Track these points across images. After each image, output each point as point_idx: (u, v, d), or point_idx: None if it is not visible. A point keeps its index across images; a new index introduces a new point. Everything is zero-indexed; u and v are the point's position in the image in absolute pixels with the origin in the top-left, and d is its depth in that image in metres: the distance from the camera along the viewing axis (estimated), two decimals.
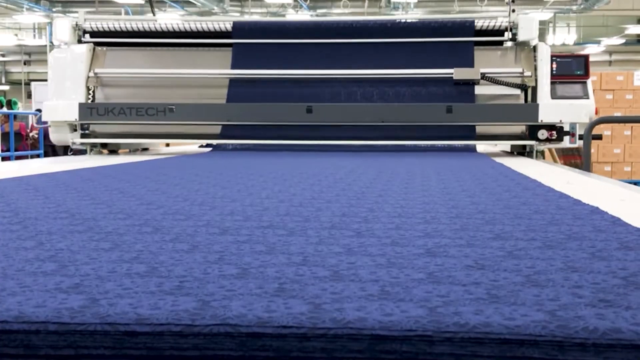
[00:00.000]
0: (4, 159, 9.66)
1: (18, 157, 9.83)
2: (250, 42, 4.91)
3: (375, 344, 0.68)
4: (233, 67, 4.88)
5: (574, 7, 24.92)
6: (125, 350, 0.69)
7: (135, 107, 4.63)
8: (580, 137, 4.51)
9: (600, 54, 31.07)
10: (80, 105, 4.68)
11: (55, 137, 4.85)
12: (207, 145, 5.35)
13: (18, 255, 1.07)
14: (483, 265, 1.00)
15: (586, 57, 4.85)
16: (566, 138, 4.56)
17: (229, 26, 4.95)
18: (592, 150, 11.54)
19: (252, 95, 4.79)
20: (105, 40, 5.03)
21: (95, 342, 0.69)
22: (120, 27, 4.99)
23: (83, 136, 4.76)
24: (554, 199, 1.87)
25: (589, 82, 4.76)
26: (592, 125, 4.52)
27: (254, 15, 26.94)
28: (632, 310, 0.75)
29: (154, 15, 8.00)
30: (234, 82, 4.86)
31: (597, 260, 1.04)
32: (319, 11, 26.64)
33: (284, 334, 0.69)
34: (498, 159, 4.09)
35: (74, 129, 4.74)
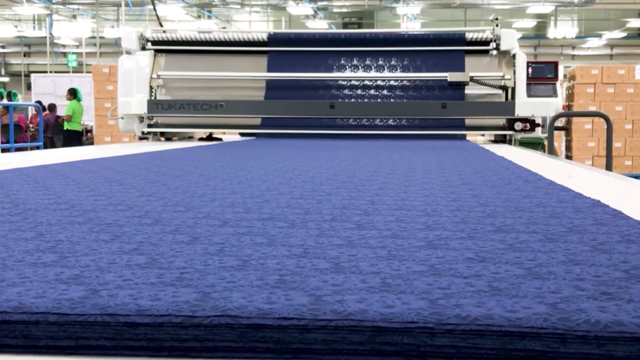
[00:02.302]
0: (4, 150, 9.66)
1: (18, 149, 9.82)
2: (284, 49, 5.88)
3: (376, 335, 0.68)
4: (269, 70, 5.84)
5: (576, 0, 24.87)
6: (126, 342, 0.69)
7: (193, 103, 5.61)
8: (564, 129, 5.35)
9: (601, 48, 31.03)
10: (149, 101, 5.65)
11: (125, 127, 5.79)
12: (249, 134, 6.12)
13: (18, 246, 1.07)
14: (484, 258, 0.99)
15: (556, 63, 5.83)
16: (538, 129, 5.58)
17: (264, 36, 5.96)
18: (593, 144, 11.55)
19: (285, 93, 5.75)
20: (163, 47, 5.98)
21: (95, 333, 0.69)
22: (175, 37, 6.00)
23: (149, 126, 5.72)
24: (555, 192, 1.87)
25: (558, 83, 5.75)
26: (554, 118, 5.67)
27: (254, 7, 26.90)
28: (634, 303, 0.75)
29: (155, 12, 8.16)
30: (270, 83, 5.82)
31: (599, 253, 1.03)
32: (320, 3, 26.59)
33: (284, 326, 0.68)
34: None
35: (141, 120, 5.70)
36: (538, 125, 5.55)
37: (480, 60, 5.82)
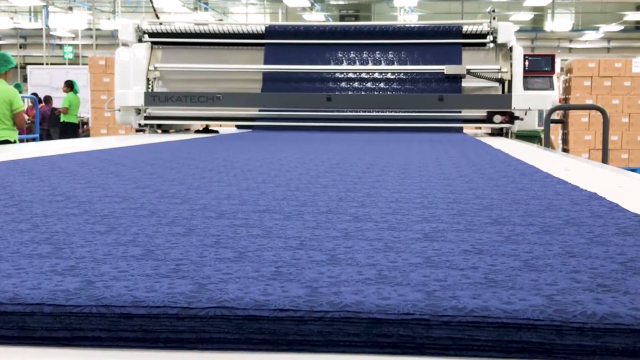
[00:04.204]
0: None
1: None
2: (281, 42, 5.86)
3: (373, 327, 0.68)
4: (265, 62, 5.82)
5: None
6: (121, 333, 0.69)
7: (190, 95, 5.62)
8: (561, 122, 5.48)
9: (598, 41, 31.03)
10: (146, 93, 5.65)
11: (122, 119, 5.78)
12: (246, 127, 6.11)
13: (13, 238, 1.06)
14: (481, 250, 0.99)
15: (552, 56, 5.84)
16: (535, 121, 5.72)
17: (261, 28, 5.94)
18: (589, 137, 11.56)
19: (282, 85, 5.75)
20: (160, 40, 5.95)
21: (91, 324, 0.69)
22: (172, 29, 5.98)
23: (146, 118, 5.72)
24: (551, 184, 1.87)
25: (554, 77, 5.81)
26: (551, 111, 5.74)
27: None
28: (630, 295, 0.75)
29: (152, 4, 8.16)
30: (267, 75, 5.81)
31: (595, 245, 1.03)
32: None
33: (280, 317, 0.68)
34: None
35: (137, 112, 5.69)
36: (517, 118, 5.57)
37: (477, 53, 5.82)
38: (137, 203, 1.47)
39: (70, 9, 28.94)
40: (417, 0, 26.72)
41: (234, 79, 5.93)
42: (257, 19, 30.48)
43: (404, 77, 5.75)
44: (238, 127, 6.21)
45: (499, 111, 5.52)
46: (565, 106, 10.63)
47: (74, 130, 13.56)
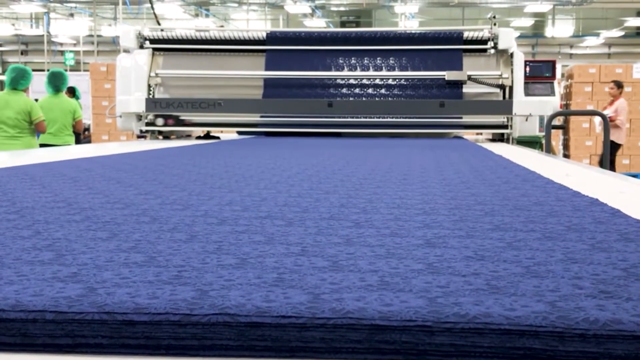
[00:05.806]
0: None
1: None
2: (282, 48, 5.89)
3: (375, 334, 0.68)
4: (267, 69, 5.85)
5: (574, 0, 24.90)
6: (123, 340, 0.69)
7: (191, 101, 5.63)
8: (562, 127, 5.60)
9: (599, 47, 31.05)
10: (147, 100, 5.68)
11: (123, 126, 5.81)
12: (247, 133, 6.18)
13: (15, 244, 1.06)
14: (483, 256, 0.99)
15: (553, 62, 5.89)
16: (535, 127, 5.69)
17: (262, 35, 5.96)
18: (590, 143, 11.55)
19: (283, 92, 5.79)
20: (161, 46, 5.99)
21: (93, 331, 0.69)
22: (174, 36, 6.01)
23: (147, 124, 5.73)
24: (553, 190, 1.87)
25: (555, 82, 5.84)
26: (552, 117, 5.77)
27: (252, 5, 26.88)
28: (633, 301, 0.75)
29: (153, 11, 8.20)
30: (268, 81, 5.83)
31: (597, 251, 1.03)
32: (318, 2, 26.58)
33: (283, 324, 0.68)
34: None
35: (139, 118, 5.71)
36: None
37: (478, 59, 5.84)
38: (138, 209, 1.47)
39: (72, 15, 29.01)
40: (417, 7, 26.77)
41: (235, 85, 5.94)
42: (258, 26, 30.53)
43: (405, 83, 5.76)
44: (239, 133, 6.22)
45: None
46: (566, 112, 10.66)
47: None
